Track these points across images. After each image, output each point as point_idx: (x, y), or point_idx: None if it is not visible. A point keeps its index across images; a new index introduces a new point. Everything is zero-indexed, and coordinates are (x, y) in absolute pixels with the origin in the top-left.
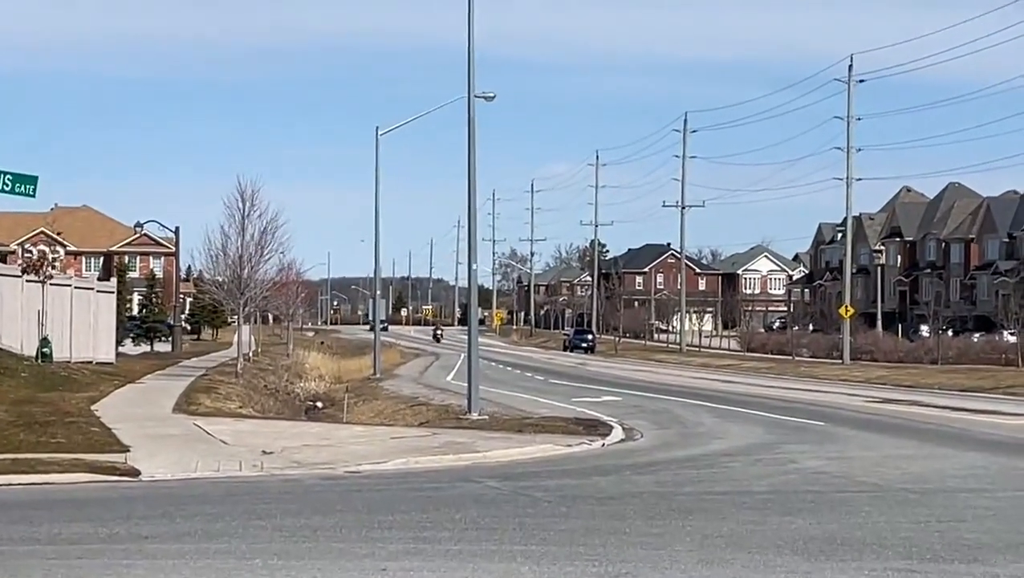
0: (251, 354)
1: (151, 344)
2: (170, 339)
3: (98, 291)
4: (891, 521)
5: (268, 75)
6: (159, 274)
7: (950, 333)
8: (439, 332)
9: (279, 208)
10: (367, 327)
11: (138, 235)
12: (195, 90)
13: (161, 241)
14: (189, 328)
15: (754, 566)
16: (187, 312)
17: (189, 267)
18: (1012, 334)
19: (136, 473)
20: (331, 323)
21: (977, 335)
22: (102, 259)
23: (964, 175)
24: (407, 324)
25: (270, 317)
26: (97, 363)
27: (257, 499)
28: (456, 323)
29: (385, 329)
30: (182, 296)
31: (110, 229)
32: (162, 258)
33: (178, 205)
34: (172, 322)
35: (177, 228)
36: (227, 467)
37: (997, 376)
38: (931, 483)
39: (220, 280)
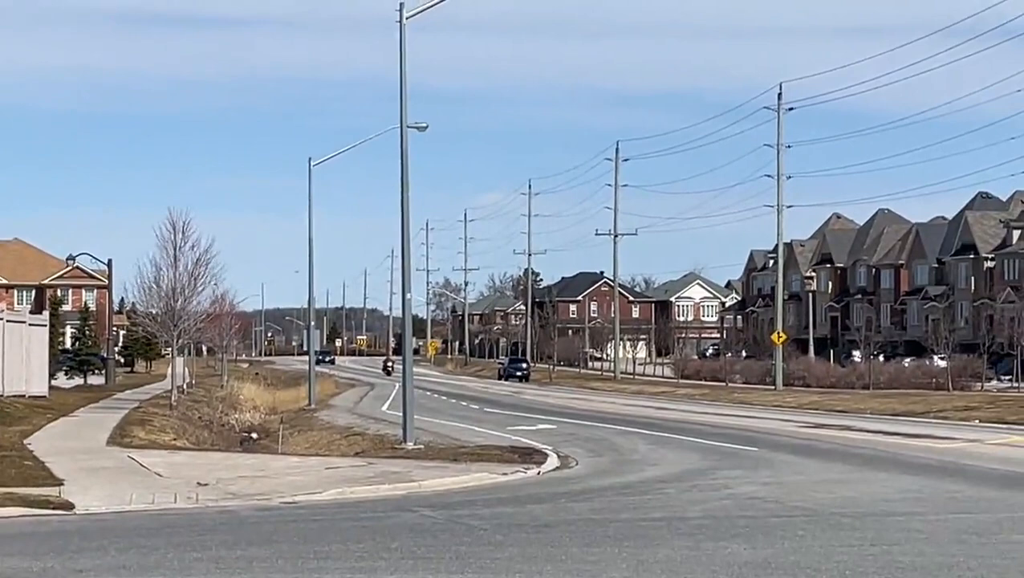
0: (185, 386)
1: (84, 377)
2: (104, 372)
3: (30, 324)
4: (825, 545)
5: (200, 106)
6: (92, 307)
7: (881, 358)
8: (390, 364)
9: (212, 239)
10: (302, 358)
11: (70, 268)
12: (126, 122)
13: (94, 274)
14: (123, 361)
15: None
16: (121, 344)
17: (122, 299)
18: (942, 359)
19: (70, 506)
20: (265, 354)
21: (908, 360)
22: (34, 292)
23: (893, 201)
24: (342, 354)
25: (204, 349)
26: (30, 396)
27: (192, 531)
28: (391, 353)
29: (332, 362)
30: (115, 329)
31: (42, 262)
32: (95, 291)
33: (111, 238)
34: (105, 355)
35: (110, 261)
36: (162, 499)
37: (928, 400)
38: (864, 507)
39: (153, 312)
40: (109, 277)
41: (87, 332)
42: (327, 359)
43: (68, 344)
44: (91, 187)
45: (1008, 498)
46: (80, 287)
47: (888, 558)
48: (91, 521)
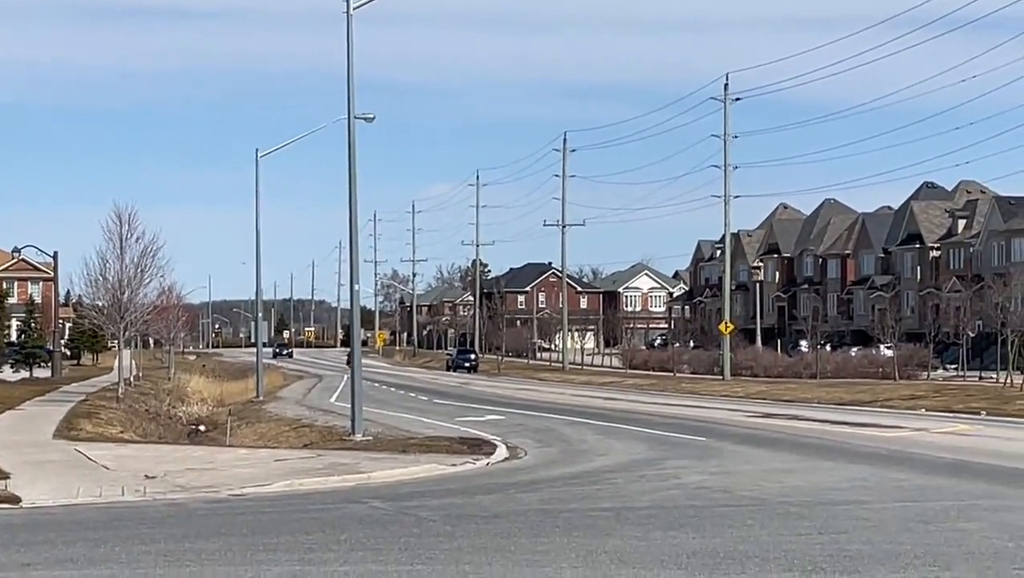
0: (132, 379)
1: (30, 370)
2: (50, 365)
3: None
4: (773, 534)
5: (146, 99)
6: (38, 299)
7: (828, 348)
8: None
9: (158, 231)
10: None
11: (16, 260)
12: (72, 115)
13: (39, 266)
14: (69, 353)
15: None
16: (67, 337)
17: (68, 292)
18: (889, 348)
19: (16, 500)
20: (213, 346)
21: (855, 349)
22: None
23: (840, 192)
24: (289, 346)
25: (151, 341)
26: None
27: (140, 524)
28: (339, 344)
29: (290, 355)
30: (61, 321)
31: None
32: (40, 283)
33: (57, 230)
34: (52, 347)
35: (56, 253)
36: (109, 492)
37: (875, 389)
38: (812, 496)
39: (100, 305)
40: (55, 269)
41: (33, 325)
42: (285, 352)
43: (14, 337)
44: (36, 180)
45: (955, 486)
46: (26, 280)
47: (836, 546)
48: (38, 515)
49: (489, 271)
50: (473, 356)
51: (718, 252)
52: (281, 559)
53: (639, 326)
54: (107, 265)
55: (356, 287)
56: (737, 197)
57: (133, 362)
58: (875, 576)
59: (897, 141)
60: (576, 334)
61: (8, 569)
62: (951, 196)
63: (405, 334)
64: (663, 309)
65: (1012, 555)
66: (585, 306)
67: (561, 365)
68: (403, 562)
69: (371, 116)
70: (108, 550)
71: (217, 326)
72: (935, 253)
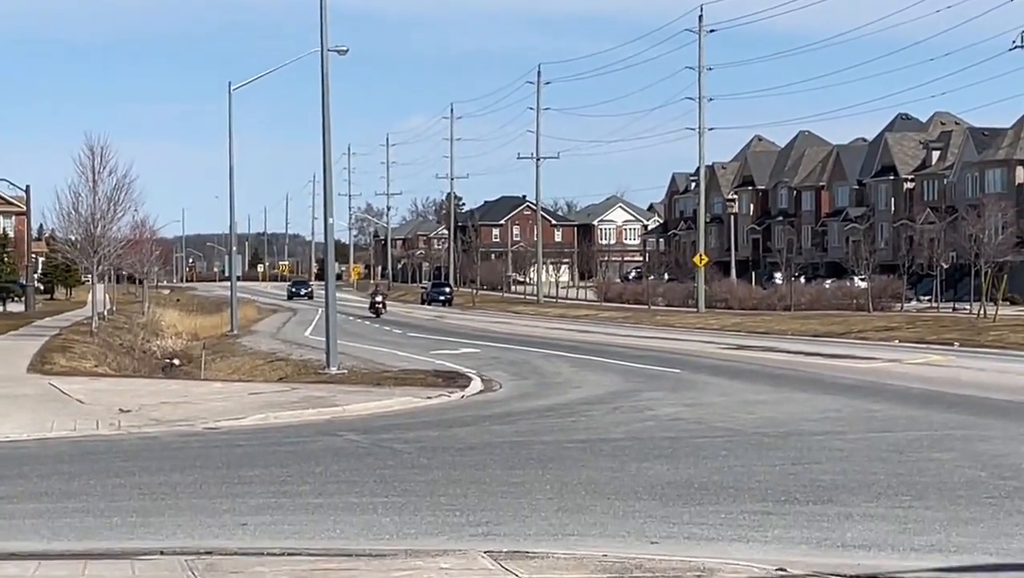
0: (106, 313)
1: (3, 304)
2: (23, 299)
3: None
4: (747, 465)
5: (119, 31)
6: (11, 234)
7: (803, 280)
8: (380, 303)
9: (131, 165)
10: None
11: None
12: (44, 48)
13: (11, 200)
14: (42, 288)
15: (613, 512)
16: (40, 271)
17: (41, 226)
18: (862, 280)
19: None
20: (187, 280)
21: (829, 281)
22: None
23: (814, 123)
24: (264, 280)
25: (125, 275)
26: None
27: (115, 457)
28: (313, 278)
29: (310, 296)
30: (34, 255)
31: None
32: (13, 217)
33: (29, 164)
34: (25, 282)
35: (28, 187)
36: (84, 426)
37: (849, 321)
38: (786, 427)
39: (73, 239)
40: (27, 203)
41: (5, 259)
42: (303, 292)
43: None
44: (7, 113)
45: (927, 416)
46: None
47: (810, 477)
48: (12, 448)
49: (464, 204)
50: (448, 289)
51: (693, 185)
52: (256, 492)
53: (614, 259)
54: (80, 199)
55: (330, 221)
56: (712, 129)
57: (107, 296)
58: (848, 505)
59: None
60: (551, 267)
61: None
62: (925, 128)
63: (380, 268)
64: (638, 242)
65: (984, 484)
66: (560, 239)
67: (536, 298)
68: (378, 494)
69: (344, 48)
70: (83, 483)
71: (191, 260)
72: (909, 185)
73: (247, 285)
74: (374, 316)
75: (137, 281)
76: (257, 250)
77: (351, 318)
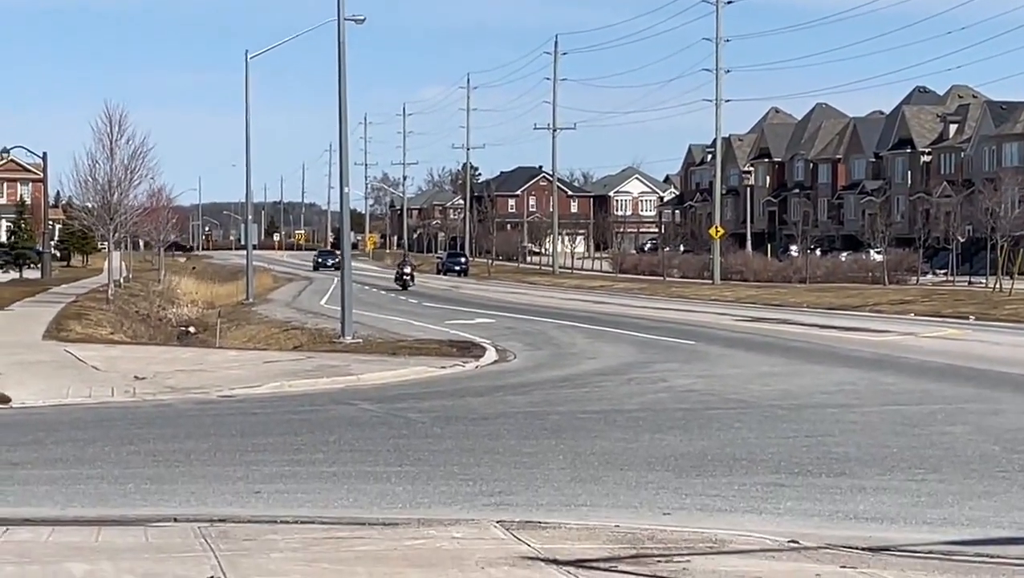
0: (122, 280)
1: (20, 271)
2: (39, 266)
3: None
4: (760, 437)
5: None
6: (28, 201)
7: (818, 252)
8: (408, 275)
9: (148, 133)
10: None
11: (5, 161)
12: (62, 16)
13: (29, 167)
14: (59, 255)
15: (626, 483)
16: (57, 238)
17: (58, 193)
18: (878, 253)
19: (6, 400)
20: (203, 248)
21: (844, 254)
22: None
23: (831, 96)
24: (280, 249)
25: (141, 243)
26: None
27: (130, 424)
28: (328, 247)
29: (336, 267)
30: (51, 222)
31: None
32: (30, 184)
33: (46, 132)
34: (41, 248)
35: (45, 154)
36: (99, 393)
37: (864, 294)
38: (800, 399)
39: (89, 206)
40: (44, 170)
41: (22, 226)
42: (330, 263)
43: (3, 238)
44: (26, 80)
45: (942, 390)
46: (15, 180)
47: (823, 449)
48: (27, 415)
49: (480, 175)
50: (463, 259)
51: (709, 156)
52: (270, 460)
53: (629, 230)
54: (97, 166)
55: (346, 190)
56: (728, 101)
57: (123, 264)
58: (861, 478)
59: (889, 45)
60: (566, 238)
61: None
62: (943, 101)
63: (395, 237)
64: (653, 213)
65: (998, 458)
66: (575, 210)
67: (551, 269)
68: (392, 463)
69: (361, 17)
70: (97, 450)
71: (207, 228)
72: (926, 158)
73: (263, 254)
74: (400, 288)
75: (153, 249)
76: (273, 219)
77: (366, 288)
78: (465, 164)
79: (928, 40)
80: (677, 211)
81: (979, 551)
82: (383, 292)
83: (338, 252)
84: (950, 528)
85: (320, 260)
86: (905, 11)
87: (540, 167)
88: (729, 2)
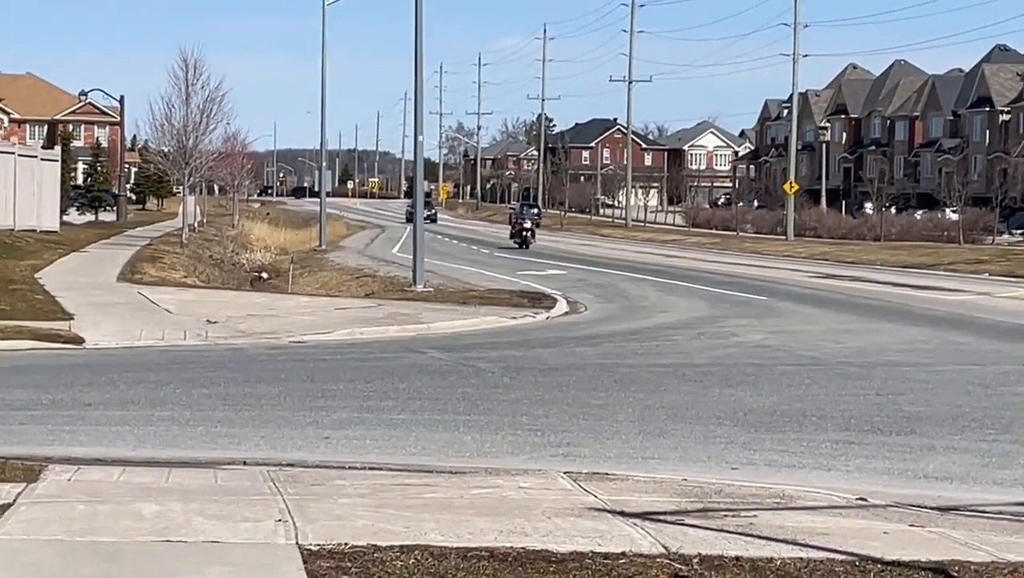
0: (196, 224)
1: (96, 213)
2: (115, 208)
3: (42, 159)
4: (831, 394)
5: None
6: (104, 144)
7: (893, 210)
8: (528, 231)
9: (223, 78)
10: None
11: (83, 104)
12: None
13: (106, 110)
14: (134, 198)
15: (694, 437)
16: (132, 182)
17: (134, 137)
18: (954, 212)
19: (80, 341)
20: (278, 194)
21: (920, 212)
22: (46, 128)
23: (910, 53)
24: (353, 196)
25: (216, 188)
26: (41, 231)
27: (201, 368)
28: (402, 196)
29: (434, 220)
30: (127, 166)
31: (54, 98)
32: (107, 128)
33: (123, 75)
34: (117, 192)
35: (122, 97)
36: (171, 336)
37: (939, 252)
38: (871, 357)
39: (165, 150)
40: (121, 114)
41: (99, 168)
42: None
43: (80, 180)
44: (103, 24)
45: (1016, 350)
46: (92, 123)
47: (894, 407)
48: (100, 356)
49: (554, 126)
50: (536, 211)
51: (785, 112)
52: (339, 406)
53: (703, 184)
54: (173, 110)
55: (420, 138)
56: (806, 56)
57: (197, 208)
58: (932, 437)
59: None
60: (640, 191)
61: (70, 407)
62: (1023, 59)
63: (468, 187)
64: (728, 168)
65: None
66: (649, 163)
67: (624, 222)
68: (460, 412)
69: None
70: (169, 392)
71: (282, 174)
72: (1005, 117)
73: (336, 201)
74: (518, 246)
75: (228, 194)
76: (347, 166)
77: (438, 237)
78: (540, 115)
79: None
80: (752, 166)
81: None
82: (455, 241)
83: (433, 204)
84: (1021, 489)
85: (413, 210)
86: None
87: (615, 119)
88: None
